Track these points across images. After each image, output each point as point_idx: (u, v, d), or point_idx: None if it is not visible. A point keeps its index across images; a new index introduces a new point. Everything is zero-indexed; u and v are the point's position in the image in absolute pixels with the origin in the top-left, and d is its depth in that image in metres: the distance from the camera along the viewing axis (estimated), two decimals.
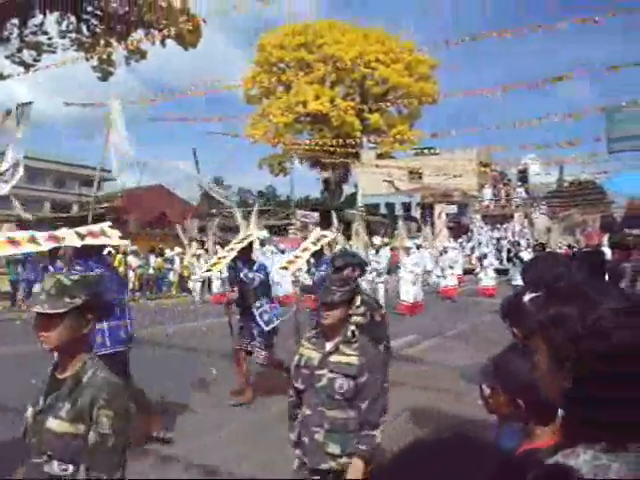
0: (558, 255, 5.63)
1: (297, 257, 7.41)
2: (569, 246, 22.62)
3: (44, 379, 2.03)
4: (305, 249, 7.42)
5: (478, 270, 21.06)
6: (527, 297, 2.68)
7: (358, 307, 3.83)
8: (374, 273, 14.43)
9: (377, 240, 16.39)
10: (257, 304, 6.52)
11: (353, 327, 2.98)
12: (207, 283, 18.79)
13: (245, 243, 6.83)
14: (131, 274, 17.79)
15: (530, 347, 1.98)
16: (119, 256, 19.79)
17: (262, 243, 16.77)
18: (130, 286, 17.77)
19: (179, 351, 9.25)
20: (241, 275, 6.53)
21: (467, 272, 23.80)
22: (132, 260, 18.09)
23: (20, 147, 17.24)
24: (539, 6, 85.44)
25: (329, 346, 2.92)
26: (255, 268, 6.64)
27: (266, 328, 6.48)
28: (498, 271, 24.88)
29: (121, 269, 19.36)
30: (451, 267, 18.63)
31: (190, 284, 19.80)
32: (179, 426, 5.43)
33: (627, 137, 12.47)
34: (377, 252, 15.59)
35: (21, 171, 17.13)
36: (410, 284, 14.58)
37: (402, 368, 8.05)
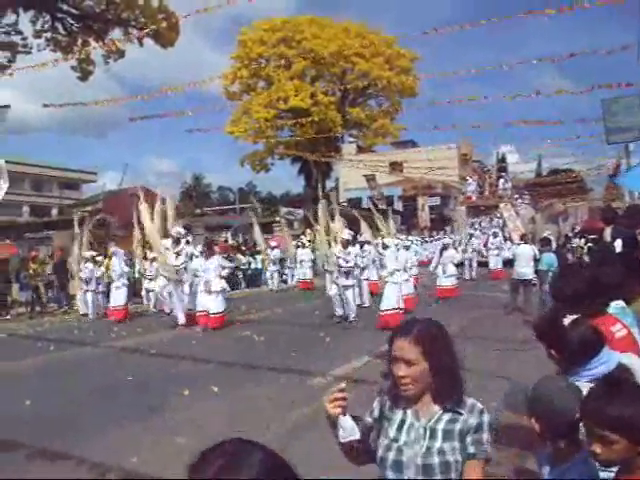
0: (583, 266, 5.61)
1: None
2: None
3: None
4: None
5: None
6: (566, 320, 2.56)
7: None
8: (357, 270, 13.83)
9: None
10: None
11: None
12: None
13: None
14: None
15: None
16: (106, 261, 18.78)
17: (178, 240, 13.95)
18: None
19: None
20: None
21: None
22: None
23: None
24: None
25: None
26: None
27: None
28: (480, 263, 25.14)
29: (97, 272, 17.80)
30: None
31: (143, 292, 17.80)
32: None
33: (624, 128, 12.50)
34: (361, 247, 15.18)
35: (6, 177, 16.60)
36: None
37: None
